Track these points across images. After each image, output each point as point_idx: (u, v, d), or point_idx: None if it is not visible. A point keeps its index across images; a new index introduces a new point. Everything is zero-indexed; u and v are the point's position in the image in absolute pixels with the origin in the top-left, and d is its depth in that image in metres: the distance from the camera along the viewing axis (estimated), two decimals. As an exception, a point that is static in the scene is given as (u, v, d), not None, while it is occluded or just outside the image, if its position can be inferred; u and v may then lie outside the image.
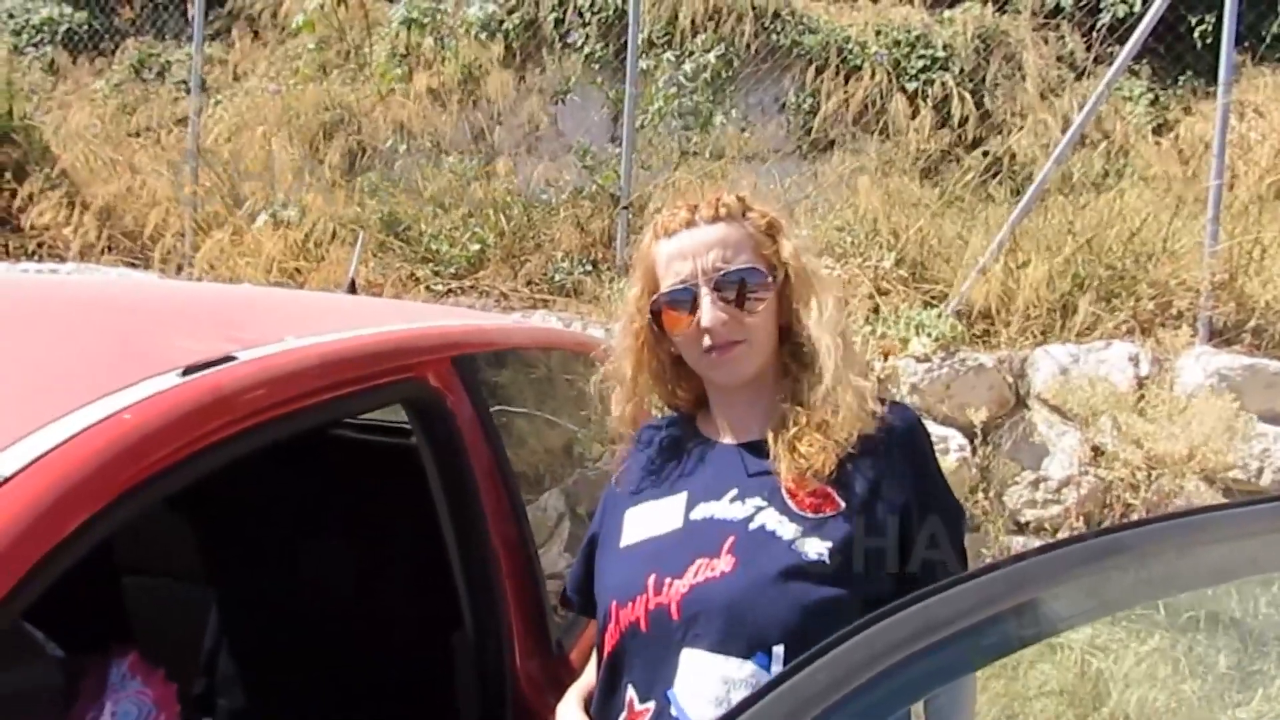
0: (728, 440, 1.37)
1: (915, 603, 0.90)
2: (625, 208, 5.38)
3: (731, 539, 1.25)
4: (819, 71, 7.06)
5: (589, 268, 5.30)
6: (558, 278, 5.28)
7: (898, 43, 7.13)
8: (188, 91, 7.04)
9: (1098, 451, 4.06)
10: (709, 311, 1.29)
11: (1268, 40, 6.75)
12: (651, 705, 1.23)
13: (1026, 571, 0.91)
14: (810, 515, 1.25)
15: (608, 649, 1.30)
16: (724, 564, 1.23)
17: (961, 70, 6.91)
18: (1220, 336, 4.36)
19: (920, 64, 7.05)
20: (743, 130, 6.84)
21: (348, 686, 2.10)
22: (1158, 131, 6.62)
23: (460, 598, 1.62)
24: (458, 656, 1.65)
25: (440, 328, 2.08)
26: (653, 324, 1.36)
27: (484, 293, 5.22)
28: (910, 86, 6.88)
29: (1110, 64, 6.61)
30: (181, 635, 2.14)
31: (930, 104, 6.66)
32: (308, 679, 2.08)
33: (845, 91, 6.90)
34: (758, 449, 1.32)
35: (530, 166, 6.46)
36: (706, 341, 1.30)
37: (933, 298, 4.63)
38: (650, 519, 1.33)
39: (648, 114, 6.76)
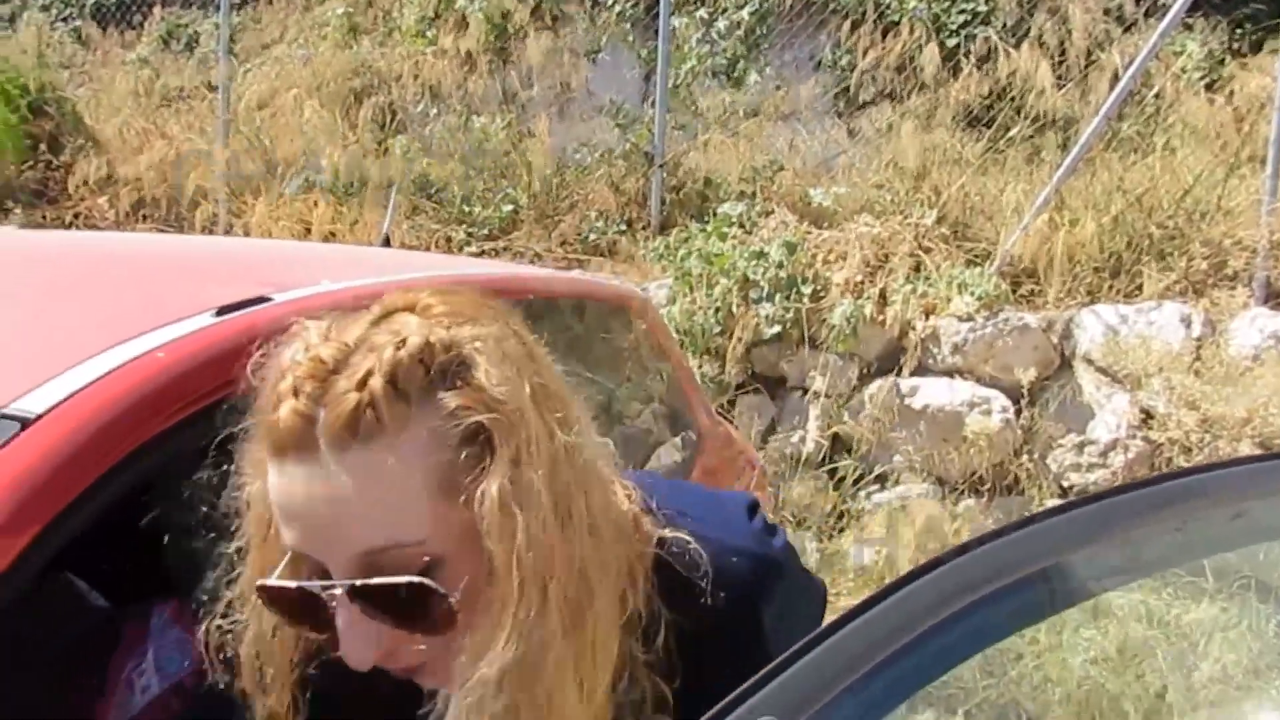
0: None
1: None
2: (660, 166, 5.30)
3: None
4: (855, 27, 6.89)
5: (623, 227, 5.25)
6: (591, 238, 5.23)
7: (939, -4, 6.95)
8: (217, 60, 7.04)
9: (1148, 415, 3.96)
10: (350, 643, 0.73)
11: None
12: None
13: (1112, 509, 0.86)
14: None
15: None
16: None
17: (1004, 25, 6.72)
18: (1278, 298, 4.23)
19: (961, 18, 6.86)
20: (777, 88, 6.71)
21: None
22: (1210, 87, 6.41)
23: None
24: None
25: (477, 274, 2.04)
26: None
27: (518, 253, 5.18)
28: (950, 42, 6.70)
29: (1160, 17, 6.41)
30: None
31: (972, 59, 6.49)
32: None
33: (882, 47, 6.75)
34: None
35: (563, 127, 6.39)
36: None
37: (975, 256, 4.52)
38: None
39: (681, 72, 6.66)
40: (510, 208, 5.38)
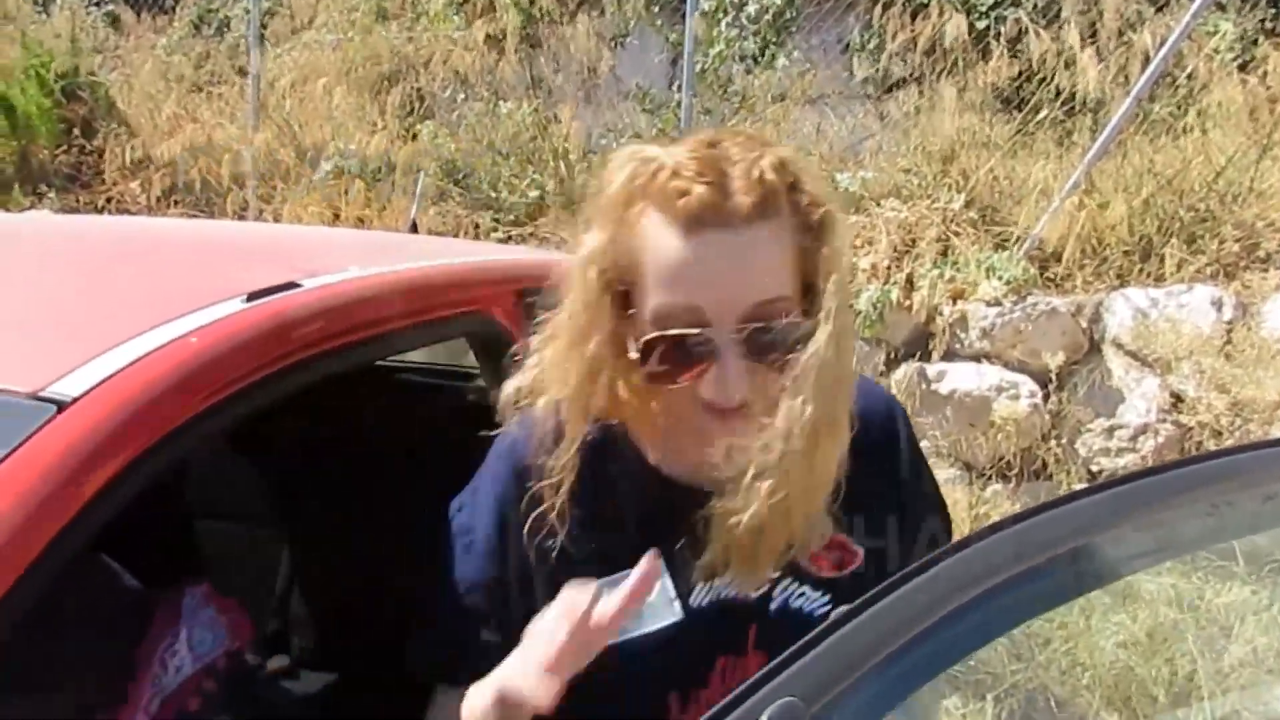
0: (680, 474, 1.01)
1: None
2: (688, 152, 5.28)
3: (753, 629, 1.01)
4: (885, 9, 6.84)
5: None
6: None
7: (969, -22, 6.87)
8: (248, 45, 7.09)
9: (1178, 398, 3.92)
10: (732, 379, 0.91)
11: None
12: None
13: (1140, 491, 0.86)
14: (836, 576, 1.02)
15: None
16: (754, 663, 0.98)
17: (1035, 5, 6.64)
18: (1311, 279, 4.17)
19: (991, 0, 6.79)
20: (806, 72, 6.67)
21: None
22: (1243, 68, 6.30)
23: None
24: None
25: (506, 261, 2.05)
26: (627, 340, 0.95)
27: (544, 239, 5.19)
28: (980, 24, 6.63)
29: (1194, -3, 6.30)
30: (255, 577, 2.17)
31: (1003, 40, 6.41)
32: (380, 617, 2.10)
33: (912, 29, 6.68)
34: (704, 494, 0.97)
35: (590, 112, 6.38)
36: (712, 401, 0.93)
37: (1004, 240, 4.48)
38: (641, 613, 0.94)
39: (708, 57, 6.63)
40: (536, 194, 5.38)
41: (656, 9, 7.03)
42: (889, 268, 4.35)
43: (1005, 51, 6.24)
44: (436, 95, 6.38)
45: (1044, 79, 5.55)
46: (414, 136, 5.89)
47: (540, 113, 5.84)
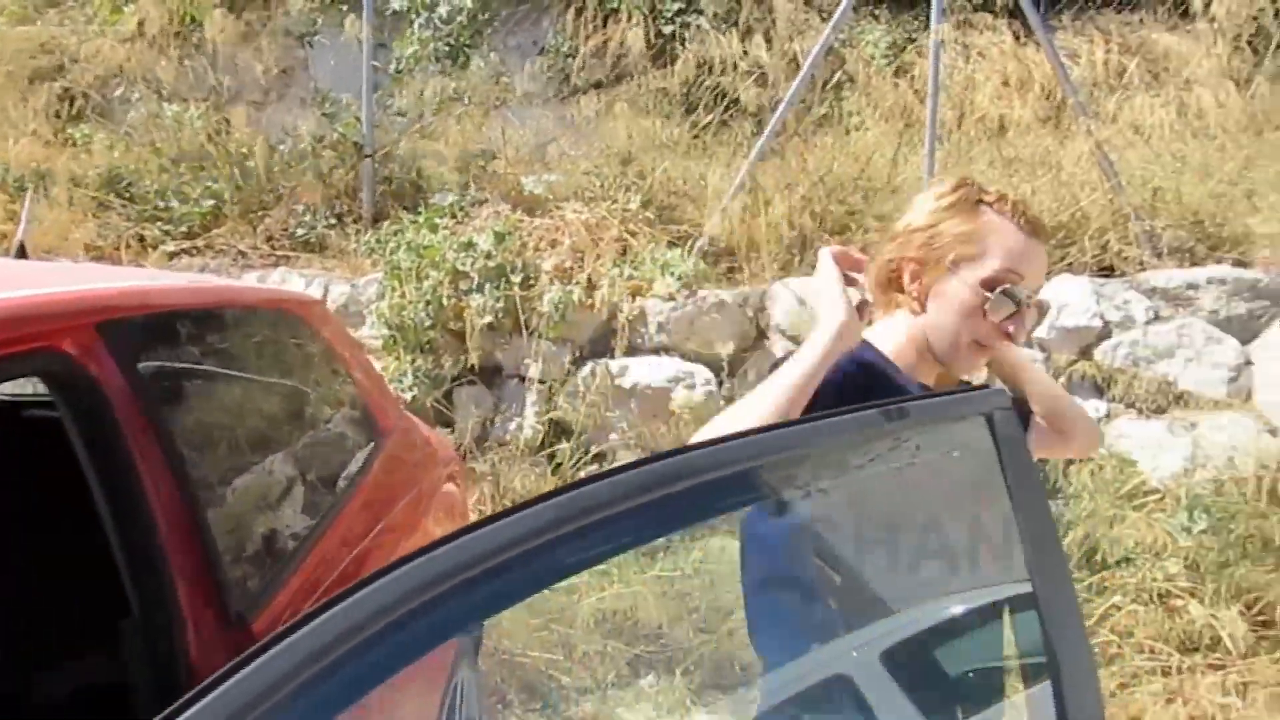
0: (909, 373, 1.50)
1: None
2: (369, 157, 5.18)
3: None
4: (577, 14, 7.02)
5: (334, 221, 5.10)
6: (300, 233, 5.05)
7: (653, -15, 7.16)
8: None
9: (831, 378, 4.29)
10: (1025, 328, 1.45)
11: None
12: None
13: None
14: None
15: None
16: None
17: (715, 14, 7.03)
18: (938, 264, 4.68)
19: (676, 7, 7.12)
20: (501, 75, 6.72)
21: (14, 697, 1.96)
22: (897, 73, 6.98)
23: (124, 582, 1.53)
24: (126, 644, 1.57)
25: (83, 291, 1.93)
26: (958, 282, 1.44)
27: (220, 251, 4.93)
28: (667, 29, 6.94)
29: (856, 9, 6.89)
30: None
31: (687, 46, 6.75)
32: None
33: (603, 34, 6.90)
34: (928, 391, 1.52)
35: (279, 113, 6.11)
36: (989, 339, 1.44)
37: (679, 238, 4.73)
38: None
39: (402, 59, 6.53)
40: (212, 202, 5.10)
41: (345, 7, 6.83)
42: (571, 269, 4.48)
43: (687, 57, 6.59)
44: (98, 95, 5.88)
45: (716, 85, 5.90)
46: (70, 141, 5.41)
47: (211, 116, 5.52)
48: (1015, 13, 5.46)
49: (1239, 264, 4.59)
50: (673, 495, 1.02)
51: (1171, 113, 5.92)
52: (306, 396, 2.69)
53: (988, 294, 1.43)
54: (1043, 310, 1.49)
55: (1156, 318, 4.39)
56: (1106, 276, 4.64)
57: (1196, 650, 3.74)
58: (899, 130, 5.58)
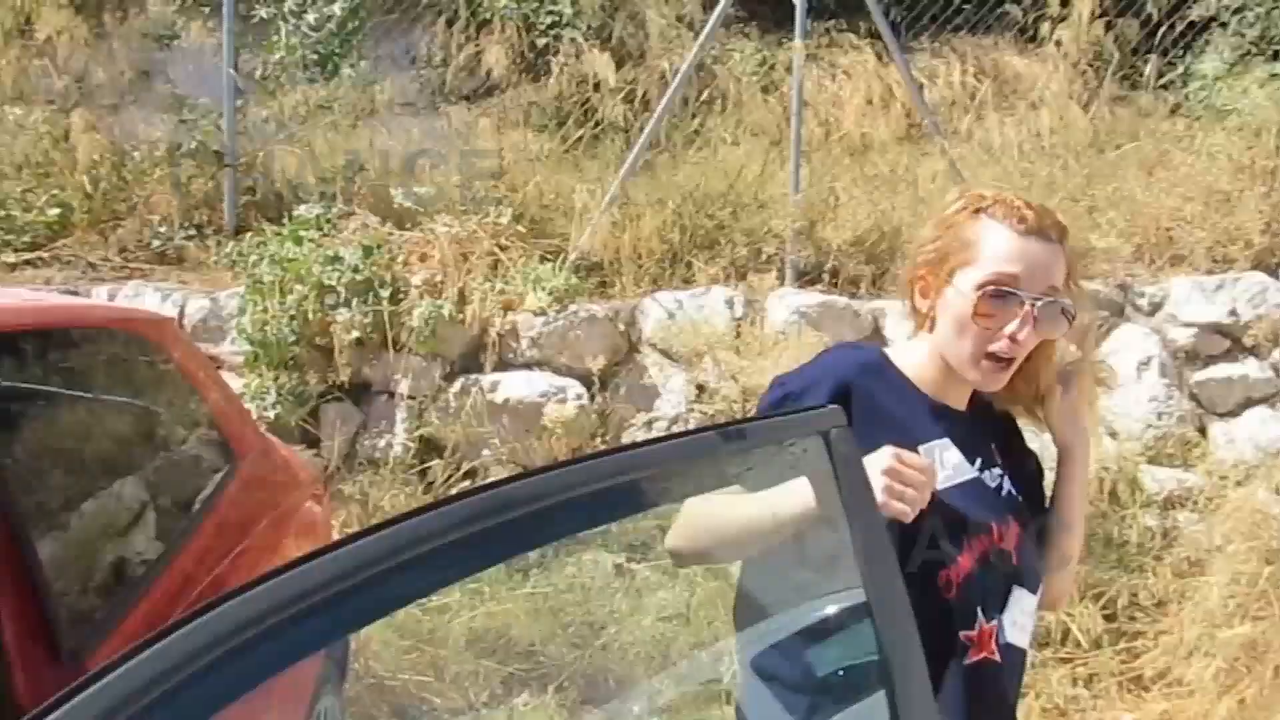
0: (931, 394, 1.48)
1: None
2: (230, 166, 5.01)
3: (1006, 500, 1.51)
4: (449, 24, 6.95)
5: (192, 232, 4.91)
6: (155, 244, 4.84)
7: (527, -3, 7.15)
8: None
9: (701, 389, 4.37)
10: (1025, 329, 1.38)
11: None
12: (994, 625, 1.42)
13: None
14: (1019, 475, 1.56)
15: (961, 573, 1.40)
16: (1016, 523, 1.47)
17: (590, 27, 7.07)
18: (804, 278, 4.83)
19: (550, 19, 7.13)
20: (373, 83, 6.60)
21: None
22: (766, 90, 7.15)
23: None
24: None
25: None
26: (954, 291, 1.42)
27: (68, 263, 4.68)
28: (541, 41, 6.94)
29: (727, 26, 7.04)
30: None
31: (561, 59, 6.76)
32: None
33: (476, 45, 6.85)
34: (956, 415, 1.50)
35: (134, 119, 5.84)
36: (995, 347, 1.40)
37: (551, 252, 4.73)
38: (951, 461, 1.45)
39: (268, 65, 6.34)
40: (58, 211, 4.83)
41: (207, 10, 6.60)
42: (441, 283, 4.42)
43: (561, 70, 6.60)
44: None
45: (586, 99, 5.93)
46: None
47: (58, 120, 5.24)
48: (878, 34, 5.66)
49: (1081, 276, 4.87)
50: (506, 524, 1.02)
51: (1021, 132, 6.25)
52: (157, 419, 2.60)
53: (958, 288, 1.42)
54: (1069, 314, 1.41)
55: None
56: (962, 289, 4.86)
57: (1048, 645, 3.94)
58: (766, 146, 5.72)
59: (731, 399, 4.20)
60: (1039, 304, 1.38)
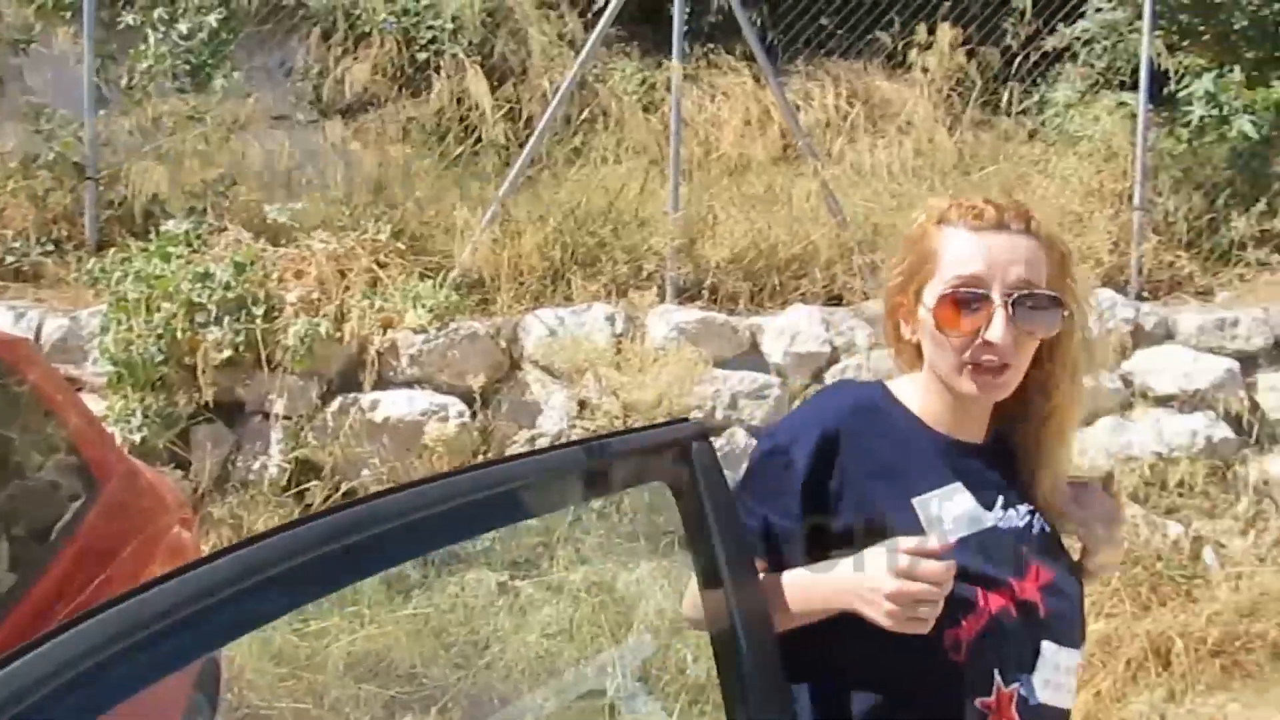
0: (941, 430, 1.37)
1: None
2: (90, 179, 4.82)
3: (1028, 545, 1.35)
4: (326, 36, 6.83)
5: (50, 248, 4.69)
6: (9, 260, 4.61)
7: (406, 11, 7.08)
8: None
9: (583, 405, 4.40)
10: (1000, 328, 1.27)
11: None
12: (1015, 688, 1.28)
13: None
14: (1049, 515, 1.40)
15: (971, 634, 1.27)
16: (1046, 570, 1.33)
17: (470, 43, 7.04)
18: (684, 294, 4.92)
19: (430, 34, 7.08)
20: (246, 95, 6.43)
21: None
22: (647, 109, 7.25)
23: None
24: None
25: None
26: (923, 309, 1.32)
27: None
28: (421, 56, 6.88)
29: (609, 45, 7.12)
30: None
31: (443, 75, 6.72)
32: None
33: (354, 58, 6.75)
34: (973, 449, 1.37)
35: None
36: (981, 357, 1.29)
37: (431, 269, 4.70)
38: (954, 513, 1.31)
39: (135, 74, 6.11)
40: (-101, 227, 4.56)
41: (68, 15, 6.32)
42: (318, 300, 4.34)
43: (440, 86, 6.56)
44: None
45: (465, 116, 5.92)
46: None
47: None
48: (755, 56, 5.82)
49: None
50: (371, 539, 1.03)
51: (891, 154, 6.50)
52: (10, 444, 2.49)
53: (920, 306, 1.33)
54: (1060, 306, 1.30)
55: (878, 344, 4.81)
56: (835, 305, 5.03)
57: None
58: (646, 165, 5.81)
59: (613, 415, 4.25)
60: (1011, 298, 1.27)
